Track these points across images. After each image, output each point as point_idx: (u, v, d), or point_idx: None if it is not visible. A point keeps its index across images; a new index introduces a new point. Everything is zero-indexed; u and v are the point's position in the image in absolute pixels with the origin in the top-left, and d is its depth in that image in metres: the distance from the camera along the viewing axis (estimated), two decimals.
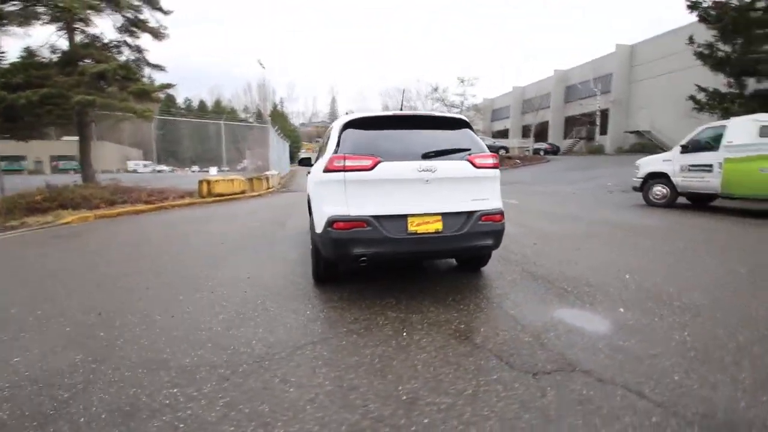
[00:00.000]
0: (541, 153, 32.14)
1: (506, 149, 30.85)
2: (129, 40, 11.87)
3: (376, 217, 3.02)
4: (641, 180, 9.91)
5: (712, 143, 8.32)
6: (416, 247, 3.12)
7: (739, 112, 12.23)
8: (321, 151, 5.15)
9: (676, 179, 9.03)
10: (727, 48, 12.92)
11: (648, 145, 27.18)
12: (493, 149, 29.76)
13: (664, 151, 25.37)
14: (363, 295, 3.43)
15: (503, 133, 43.38)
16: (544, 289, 3.57)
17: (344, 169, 3.03)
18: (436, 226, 3.11)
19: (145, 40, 12.16)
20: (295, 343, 2.55)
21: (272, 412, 1.85)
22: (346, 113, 3.97)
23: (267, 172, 17.14)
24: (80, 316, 3.05)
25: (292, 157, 39.25)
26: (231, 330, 2.75)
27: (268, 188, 15.70)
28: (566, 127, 36.83)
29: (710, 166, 8.26)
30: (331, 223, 3.05)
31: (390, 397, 1.96)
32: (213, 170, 21.66)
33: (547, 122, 37.84)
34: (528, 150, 33.58)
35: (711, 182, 8.24)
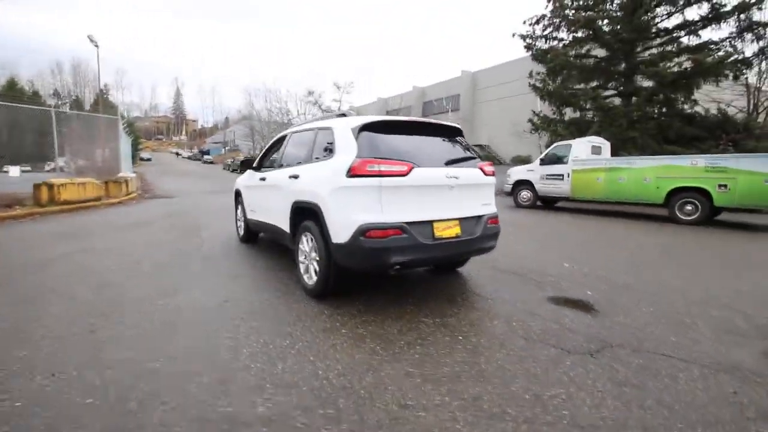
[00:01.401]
0: None
1: None
2: None
3: (409, 224, 2.97)
4: (511, 186, 11.97)
5: (562, 158, 10.66)
6: (441, 252, 3.18)
7: (563, 133, 15.93)
8: (274, 152, 4.67)
9: (538, 186, 11.23)
10: (552, 83, 16.67)
11: (488, 156, 32.67)
12: None
13: (500, 162, 30.68)
14: (379, 306, 3.30)
15: None
16: (521, 282, 4.07)
17: (380, 174, 2.88)
18: (456, 230, 3.23)
19: None
20: (368, 365, 2.32)
21: None
22: (342, 114, 3.71)
23: (121, 174, 14.11)
24: (24, 382, 2.08)
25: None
26: (278, 364, 2.31)
27: (128, 194, 12.97)
28: None
29: (562, 175, 10.58)
30: (363, 231, 2.86)
31: (516, 398, 2.02)
32: (14, 171, 16.55)
33: None
34: None
35: (563, 188, 10.56)
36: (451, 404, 1.95)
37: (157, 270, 4.31)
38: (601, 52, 15.84)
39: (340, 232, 2.99)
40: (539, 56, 17.26)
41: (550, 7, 16.49)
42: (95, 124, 17.89)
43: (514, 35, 17.81)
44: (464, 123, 35.04)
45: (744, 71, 12.94)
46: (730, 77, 12.98)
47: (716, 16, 13.50)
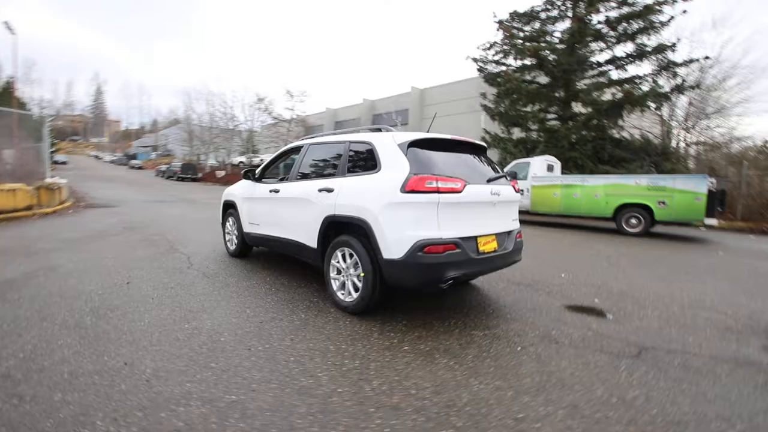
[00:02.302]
0: None
1: None
2: None
3: (461, 239, 3.05)
4: None
5: (522, 174, 11.49)
6: (484, 266, 3.30)
7: (513, 151, 17.15)
8: (284, 163, 4.51)
9: None
10: (503, 105, 17.93)
11: None
12: None
13: None
14: (421, 320, 3.32)
15: None
16: (533, 292, 4.32)
17: (438, 191, 2.93)
18: (494, 245, 3.38)
19: None
20: (455, 381, 2.34)
21: None
22: (377, 129, 3.67)
23: (52, 180, 12.43)
24: (87, 430, 1.78)
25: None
26: (365, 386, 2.24)
27: (62, 202, 11.46)
28: None
29: (522, 191, 11.38)
30: (421, 247, 2.89)
31: (607, 403, 2.16)
32: None
33: None
34: None
35: (523, 202, 11.35)
36: (556, 413, 2.04)
37: (157, 292, 3.88)
38: (544, 79, 17.43)
39: (394, 248, 2.98)
40: (490, 79, 18.53)
41: (501, 35, 17.86)
42: (7, 121, 15.65)
43: (468, 58, 19.00)
44: None
45: (663, 103, 15.06)
46: (653, 108, 15.01)
47: (639, 55, 15.60)
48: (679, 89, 14.71)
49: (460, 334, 3.05)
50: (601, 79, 16.44)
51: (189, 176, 32.53)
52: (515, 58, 17.83)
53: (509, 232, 3.63)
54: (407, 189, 2.96)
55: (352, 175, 3.49)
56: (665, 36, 14.93)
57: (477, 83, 29.03)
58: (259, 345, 2.73)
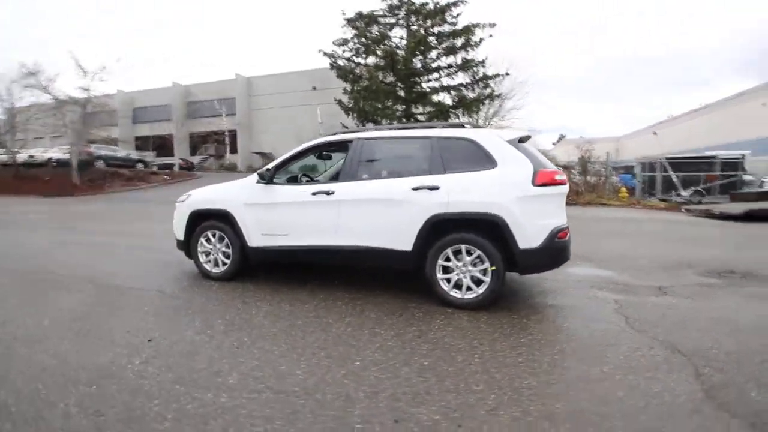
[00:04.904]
0: (175, 168, 29.95)
1: (145, 163, 26.10)
2: None
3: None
4: None
5: None
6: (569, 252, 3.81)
7: None
8: (344, 165, 4.00)
9: None
10: (361, 100, 18.79)
11: None
12: (129, 161, 24.37)
13: None
14: (523, 305, 3.63)
15: (111, 142, 35.99)
16: None
17: (562, 183, 3.30)
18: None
19: None
20: (643, 349, 2.83)
21: None
22: (461, 125, 3.59)
23: None
24: None
25: None
26: (593, 367, 2.47)
27: None
28: (192, 143, 36.36)
29: None
30: (557, 233, 3.23)
31: (710, 329, 3.07)
32: None
33: (169, 135, 35.55)
34: (173, 164, 29.65)
35: None
36: (715, 342, 2.80)
37: (211, 342, 2.80)
38: (389, 79, 19.22)
39: (533, 237, 3.19)
40: (343, 75, 19.13)
41: (351, 33, 18.61)
42: None
43: (320, 52, 18.98)
44: (242, 129, 33.37)
45: (481, 107, 19.06)
46: (475, 110, 18.82)
47: (461, 67, 19.12)
48: (490, 97, 18.93)
49: (573, 315, 3.49)
50: (435, 85, 19.41)
51: None
52: (366, 57, 18.95)
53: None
54: (539, 182, 3.21)
55: (458, 171, 3.41)
56: (479, 53, 18.84)
57: (312, 75, 29.02)
58: (462, 359, 2.51)
